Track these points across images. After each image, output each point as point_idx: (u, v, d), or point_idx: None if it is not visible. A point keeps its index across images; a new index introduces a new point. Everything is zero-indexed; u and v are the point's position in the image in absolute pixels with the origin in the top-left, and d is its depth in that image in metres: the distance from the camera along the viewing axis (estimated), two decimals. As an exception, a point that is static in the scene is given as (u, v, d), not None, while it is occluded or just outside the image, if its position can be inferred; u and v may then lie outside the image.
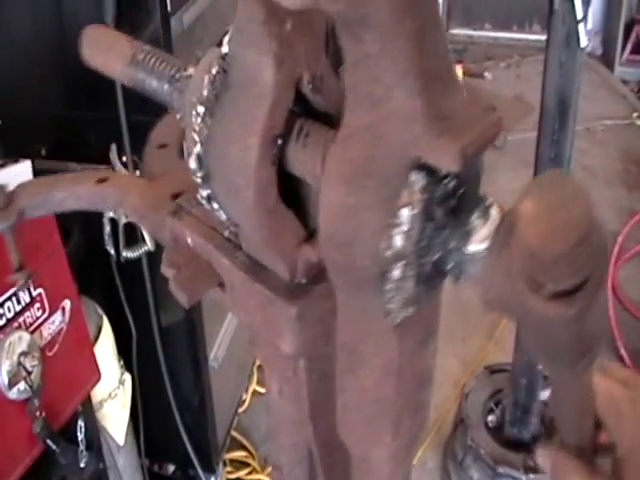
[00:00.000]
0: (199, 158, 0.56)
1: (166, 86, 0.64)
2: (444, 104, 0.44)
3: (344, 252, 0.48)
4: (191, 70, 0.62)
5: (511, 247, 0.40)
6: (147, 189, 0.72)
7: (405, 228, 0.45)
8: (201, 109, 0.55)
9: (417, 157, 0.44)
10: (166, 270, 0.63)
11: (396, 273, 0.47)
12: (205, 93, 0.55)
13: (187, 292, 0.61)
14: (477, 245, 0.45)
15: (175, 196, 0.69)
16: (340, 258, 0.48)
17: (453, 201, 0.46)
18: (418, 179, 0.45)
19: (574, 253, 0.37)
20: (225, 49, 0.55)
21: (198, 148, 0.56)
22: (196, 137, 0.56)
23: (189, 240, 0.65)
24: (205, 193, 0.58)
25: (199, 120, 0.55)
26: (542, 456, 0.61)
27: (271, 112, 0.53)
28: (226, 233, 0.64)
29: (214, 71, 0.55)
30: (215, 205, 0.59)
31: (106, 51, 0.69)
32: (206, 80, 0.55)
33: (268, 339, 0.66)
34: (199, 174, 0.57)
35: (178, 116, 0.62)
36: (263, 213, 0.55)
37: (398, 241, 0.46)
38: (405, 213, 0.45)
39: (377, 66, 0.43)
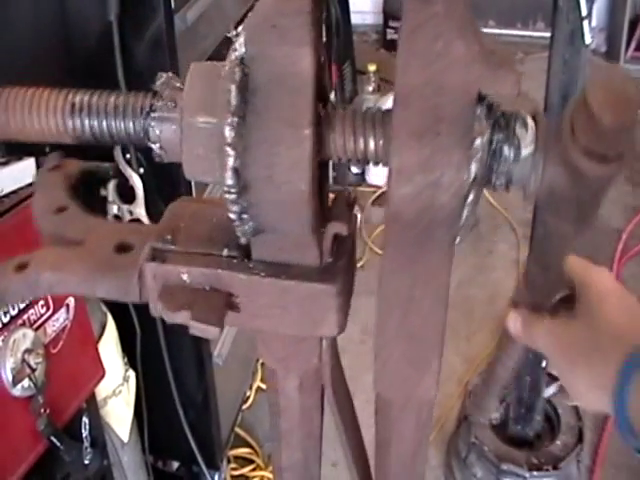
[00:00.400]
0: (236, 172, 0.54)
1: (139, 122, 0.59)
2: (487, 44, 0.53)
3: (424, 200, 0.53)
4: (168, 93, 0.59)
5: (566, 136, 0.50)
6: (81, 254, 0.66)
7: (480, 155, 0.53)
8: (234, 120, 0.53)
9: (478, 92, 0.52)
10: (178, 316, 0.60)
11: (470, 198, 0.54)
12: (235, 102, 0.53)
13: (216, 324, 0.59)
14: (526, 150, 0.54)
15: (119, 248, 0.66)
16: (418, 207, 0.54)
17: (502, 121, 0.54)
18: (482, 110, 0.53)
19: (632, 124, 0.48)
20: (241, 52, 0.53)
21: (232, 162, 0.53)
22: (230, 151, 0.53)
23: (184, 277, 0.62)
24: (237, 208, 0.56)
25: (233, 133, 0.53)
26: (513, 319, 0.71)
27: (314, 101, 0.54)
28: (225, 252, 0.63)
29: (238, 78, 0.53)
30: (245, 216, 0.57)
31: (29, 110, 0.61)
32: (234, 90, 0.52)
33: (293, 336, 0.67)
34: (234, 189, 0.55)
35: (160, 151, 0.59)
36: (313, 202, 0.56)
37: (474, 168, 0.53)
38: (478, 142, 0.52)
39: (441, 24, 0.51)
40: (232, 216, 0.57)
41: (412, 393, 0.69)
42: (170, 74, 0.59)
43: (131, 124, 0.60)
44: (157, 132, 0.59)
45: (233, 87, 0.53)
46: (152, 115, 0.59)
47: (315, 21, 0.53)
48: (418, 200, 0.53)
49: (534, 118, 0.55)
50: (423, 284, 0.61)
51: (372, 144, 0.56)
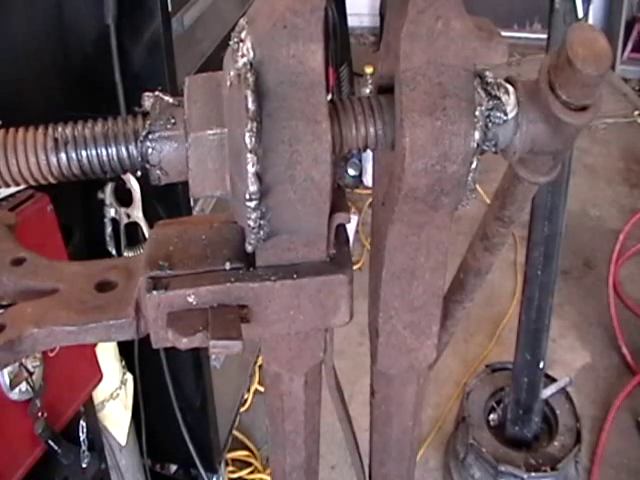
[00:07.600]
0: (257, 177, 0.53)
1: (134, 146, 0.56)
2: (474, 21, 0.58)
3: (436, 171, 0.57)
4: (163, 111, 0.57)
5: (545, 94, 0.56)
6: (62, 302, 0.62)
7: (480, 124, 0.57)
8: (254, 125, 0.52)
9: (474, 65, 0.57)
10: (195, 340, 0.58)
11: (473, 165, 0.58)
12: (253, 107, 0.52)
13: (238, 337, 0.58)
14: (511, 113, 0.58)
15: (101, 287, 0.63)
16: (430, 180, 0.57)
17: (491, 89, 0.59)
18: (478, 81, 0.58)
19: (607, 72, 0.54)
20: (250, 56, 0.53)
21: (252, 168, 0.52)
22: (250, 157, 0.52)
23: (191, 299, 0.60)
24: (256, 214, 0.55)
25: (253, 139, 0.52)
26: None
27: (326, 95, 0.55)
28: (227, 266, 0.62)
29: (252, 83, 0.52)
30: (262, 222, 0.56)
31: (4, 152, 0.56)
32: (250, 96, 0.52)
33: (300, 336, 0.68)
34: (255, 196, 0.53)
35: (160, 173, 0.57)
36: (331, 197, 0.57)
37: (477, 135, 0.57)
38: (479, 111, 0.57)
39: (442, 6, 0.56)
40: (251, 224, 0.55)
41: (414, 362, 0.72)
42: (157, 92, 0.57)
43: (124, 150, 0.56)
44: (158, 153, 0.56)
45: (249, 92, 0.52)
46: (150, 137, 0.56)
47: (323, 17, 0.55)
48: (430, 172, 0.57)
49: (510, 83, 0.59)
50: (426, 252, 0.65)
51: (380, 128, 0.58)
